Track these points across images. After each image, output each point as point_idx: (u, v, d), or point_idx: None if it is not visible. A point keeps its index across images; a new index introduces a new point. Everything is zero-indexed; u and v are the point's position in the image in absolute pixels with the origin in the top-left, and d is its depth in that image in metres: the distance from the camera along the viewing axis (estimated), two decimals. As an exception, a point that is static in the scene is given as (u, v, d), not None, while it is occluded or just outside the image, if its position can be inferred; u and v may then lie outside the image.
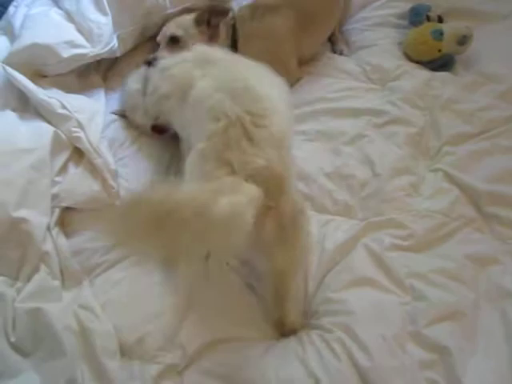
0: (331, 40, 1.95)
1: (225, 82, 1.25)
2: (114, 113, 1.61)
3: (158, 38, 1.68)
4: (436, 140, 1.59)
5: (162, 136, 1.54)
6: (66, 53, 1.50)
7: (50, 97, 1.45)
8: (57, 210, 1.35)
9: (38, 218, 1.29)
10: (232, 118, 1.14)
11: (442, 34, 1.78)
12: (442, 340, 1.18)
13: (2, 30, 1.67)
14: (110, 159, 1.45)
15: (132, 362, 1.17)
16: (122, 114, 1.61)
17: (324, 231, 1.40)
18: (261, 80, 1.28)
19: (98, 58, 1.59)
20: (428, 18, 1.88)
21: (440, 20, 1.90)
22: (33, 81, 1.46)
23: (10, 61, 1.47)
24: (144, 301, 1.27)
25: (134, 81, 1.57)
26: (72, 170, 1.42)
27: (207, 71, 1.32)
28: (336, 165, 1.53)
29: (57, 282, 1.27)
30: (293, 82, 1.73)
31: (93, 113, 1.50)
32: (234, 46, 1.69)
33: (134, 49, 1.74)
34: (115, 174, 1.44)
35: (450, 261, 1.32)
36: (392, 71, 1.77)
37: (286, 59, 1.73)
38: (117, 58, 1.70)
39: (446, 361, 1.15)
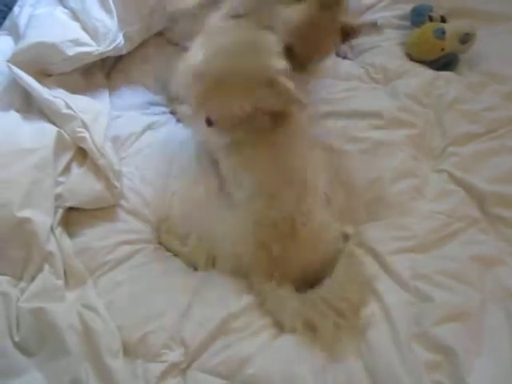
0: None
1: None
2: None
3: None
4: (441, 140, 1.58)
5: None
6: (71, 51, 1.50)
7: (54, 96, 1.45)
8: (60, 210, 1.35)
9: (41, 217, 1.29)
10: None
11: (443, 32, 1.76)
12: (447, 341, 1.17)
13: (6, 30, 1.66)
14: (114, 159, 1.44)
15: (135, 361, 1.17)
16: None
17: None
18: None
19: (104, 56, 1.59)
20: (431, 19, 1.86)
21: (443, 20, 1.89)
22: (37, 80, 1.46)
23: (15, 60, 1.47)
24: (147, 300, 1.27)
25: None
26: (75, 170, 1.42)
27: None
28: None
29: (60, 282, 1.27)
30: None
31: (97, 113, 1.49)
32: None
33: (139, 45, 1.73)
34: (119, 175, 1.44)
35: (455, 262, 1.32)
36: (395, 70, 1.76)
37: None
38: (121, 55, 1.70)
39: (452, 362, 1.15)
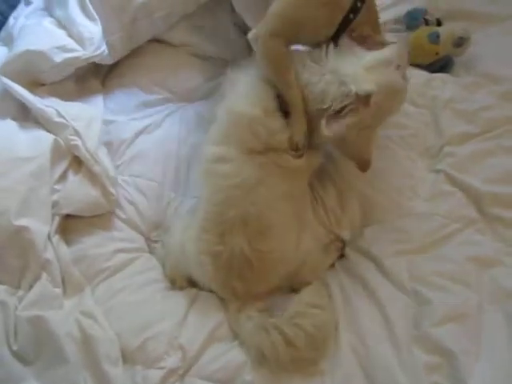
0: None
1: None
2: None
3: None
4: (437, 140, 1.57)
5: None
6: (59, 57, 1.51)
7: (46, 106, 1.46)
8: (57, 218, 1.36)
9: (38, 226, 1.30)
10: None
11: (438, 36, 1.76)
12: (445, 342, 1.17)
13: (2, 41, 1.68)
14: (109, 166, 1.45)
15: (134, 368, 1.17)
16: None
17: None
18: None
19: (91, 61, 1.59)
20: (426, 22, 1.87)
21: (439, 23, 1.89)
22: (30, 90, 1.47)
23: (5, 70, 1.48)
24: (145, 307, 1.27)
25: None
26: (71, 177, 1.42)
27: None
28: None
29: (58, 290, 1.27)
30: None
31: (89, 119, 1.50)
32: None
33: (135, 52, 1.73)
34: (114, 181, 1.44)
35: (452, 263, 1.31)
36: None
37: None
38: (118, 62, 1.70)
39: (451, 363, 1.14)
